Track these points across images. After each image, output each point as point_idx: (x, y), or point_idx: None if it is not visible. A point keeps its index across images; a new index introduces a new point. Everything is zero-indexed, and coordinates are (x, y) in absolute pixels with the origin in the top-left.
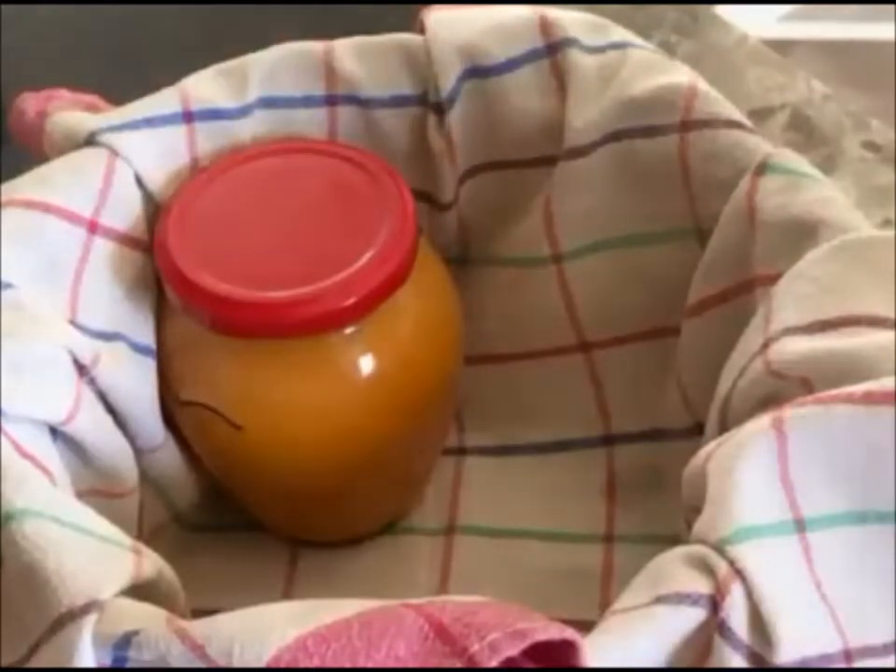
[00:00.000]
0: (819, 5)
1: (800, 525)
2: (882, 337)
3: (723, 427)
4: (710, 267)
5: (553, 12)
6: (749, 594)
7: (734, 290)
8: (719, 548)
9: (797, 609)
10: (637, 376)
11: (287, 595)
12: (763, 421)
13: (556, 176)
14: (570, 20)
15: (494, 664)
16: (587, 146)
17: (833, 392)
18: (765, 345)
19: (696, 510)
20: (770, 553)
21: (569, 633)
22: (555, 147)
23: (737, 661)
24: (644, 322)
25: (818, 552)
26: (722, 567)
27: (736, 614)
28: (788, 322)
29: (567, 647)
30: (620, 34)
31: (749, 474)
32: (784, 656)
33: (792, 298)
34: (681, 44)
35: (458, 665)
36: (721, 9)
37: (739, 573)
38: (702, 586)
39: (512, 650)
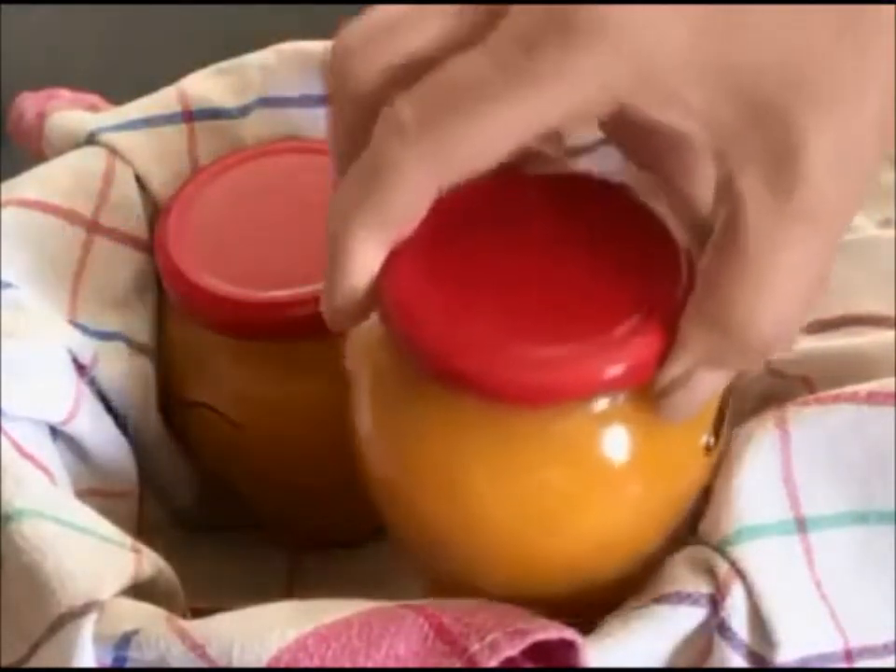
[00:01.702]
0: None
1: (801, 525)
2: (883, 336)
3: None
4: None
5: None
6: (750, 593)
7: None
8: (720, 548)
9: (797, 608)
10: None
11: (287, 595)
12: (766, 420)
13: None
14: None
15: (493, 663)
16: (589, 144)
17: (836, 392)
18: None
19: (699, 509)
20: (771, 552)
21: (569, 633)
22: (556, 145)
23: (737, 661)
24: None
25: (818, 551)
26: (723, 568)
27: (737, 614)
28: None
29: (567, 647)
30: None
31: (751, 474)
32: (784, 656)
33: None
34: None
35: (458, 664)
36: None
37: (740, 573)
38: (702, 586)
39: (512, 649)
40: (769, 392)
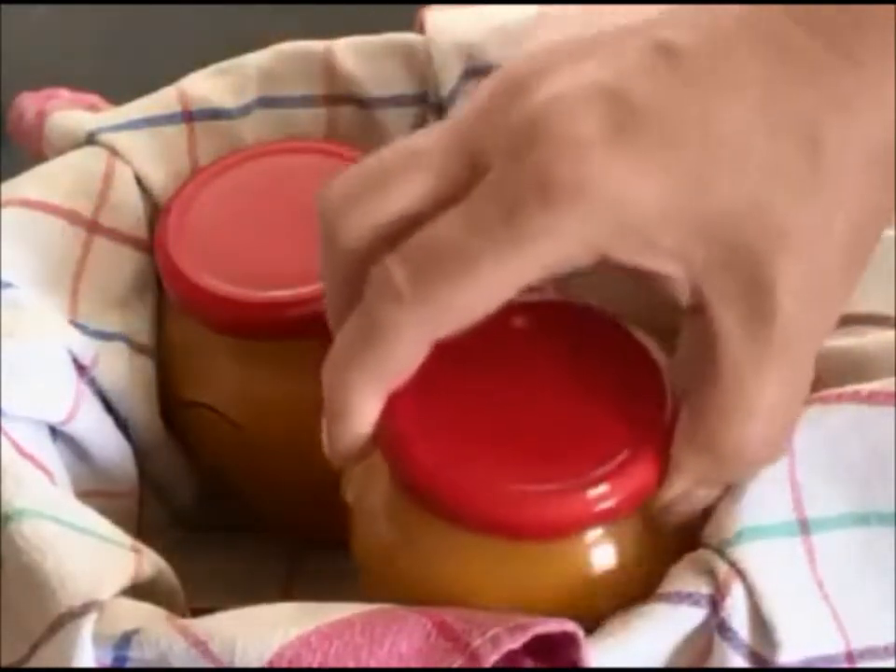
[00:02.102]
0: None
1: (804, 526)
2: (884, 336)
3: None
4: None
5: (553, 12)
6: (751, 594)
7: None
8: (720, 549)
9: (799, 609)
10: None
11: (287, 595)
12: None
13: None
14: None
15: (495, 658)
16: None
17: (839, 391)
18: None
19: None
20: (773, 553)
21: (569, 626)
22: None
23: (738, 661)
24: (646, 323)
25: (821, 553)
26: (723, 568)
27: (737, 614)
28: None
29: (569, 640)
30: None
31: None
32: (786, 657)
33: None
34: None
35: (460, 660)
36: None
37: (740, 573)
38: (702, 586)
39: (513, 643)
40: None
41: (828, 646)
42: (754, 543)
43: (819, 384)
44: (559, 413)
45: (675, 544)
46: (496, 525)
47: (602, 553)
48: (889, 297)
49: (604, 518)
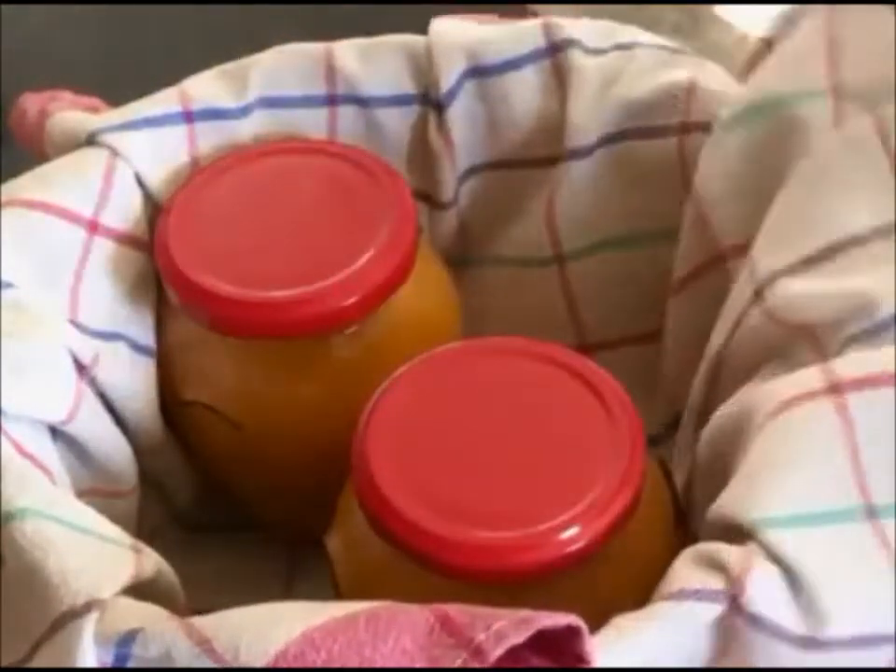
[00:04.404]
0: (820, 4)
1: (870, 511)
2: (881, 272)
3: (714, 383)
4: (685, 245)
5: (557, 20)
6: (793, 579)
7: (706, 265)
8: (752, 529)
9: (853, 590)
10: (639, 378)
11: (287, 595)
12: (817, 396)
13: (557, 177)
14: (573, 24)
15: (500, 652)
16: (588, 146)
17: (889, 372)
18: (758, 293)
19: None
20: (828, 538)
21: (573, 619)
22: (556, 147)
23: (781, 648)
24: (646, 324)
25: (889, 536)
26: (737, 559)
27: (767, 601)
28: (774, 266)
29: (573, 635)
30: (628, 34)
31: (801, 456)
32: (834, 631)
33: (769, 241)
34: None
35: (464, 654)
36: (720, 9)
37: (777, 559)
38: (710, 581)
39: (518, 637)
40: (770, 345)
41: (878, 627)
42: (802, 529)
43: (810, 336)
44: (526, 457)
45: (650, 572)
46: (468, 571)
47: (567, 599)
48: (855, 209)
49: (575, 559)
